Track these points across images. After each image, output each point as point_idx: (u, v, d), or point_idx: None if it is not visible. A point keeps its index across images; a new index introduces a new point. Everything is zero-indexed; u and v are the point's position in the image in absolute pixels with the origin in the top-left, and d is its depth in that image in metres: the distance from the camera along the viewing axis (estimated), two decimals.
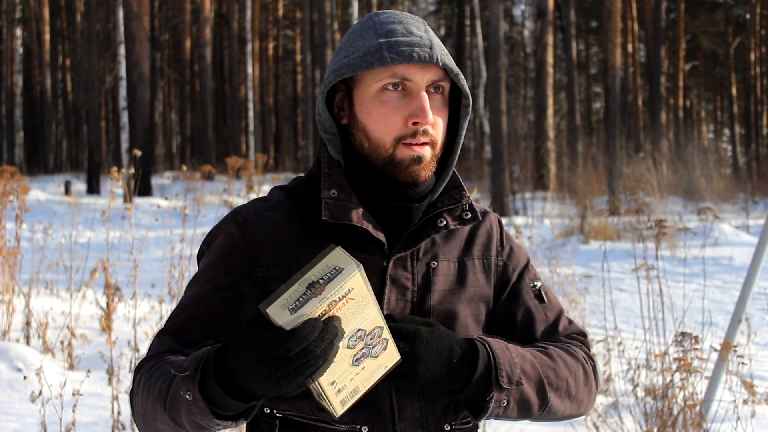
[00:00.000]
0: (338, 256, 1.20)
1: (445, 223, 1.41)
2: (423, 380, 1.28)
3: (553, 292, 1.57)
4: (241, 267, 1.37)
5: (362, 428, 1.34)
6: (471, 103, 1.42)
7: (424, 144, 1.35)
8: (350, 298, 1.18)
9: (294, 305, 1.13)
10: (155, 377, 1.28)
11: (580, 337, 1.53)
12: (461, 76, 1.37)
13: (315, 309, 1.13)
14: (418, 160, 1.35)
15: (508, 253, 1.52)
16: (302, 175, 1.50)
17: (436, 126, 1.36)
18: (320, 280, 1.16)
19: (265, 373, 1.12)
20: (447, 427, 1.41)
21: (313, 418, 1.34)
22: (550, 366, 1.40)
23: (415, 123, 1.33)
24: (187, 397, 1.18)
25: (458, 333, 1.39)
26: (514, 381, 1.33)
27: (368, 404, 1.33)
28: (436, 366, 1.28)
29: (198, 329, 1.34)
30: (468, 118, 1.43)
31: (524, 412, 1.37)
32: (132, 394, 1.35)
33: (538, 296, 1.51)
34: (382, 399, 1.35)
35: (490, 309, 1.48)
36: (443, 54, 1.34)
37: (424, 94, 1.34)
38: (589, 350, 1.52)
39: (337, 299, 1.16)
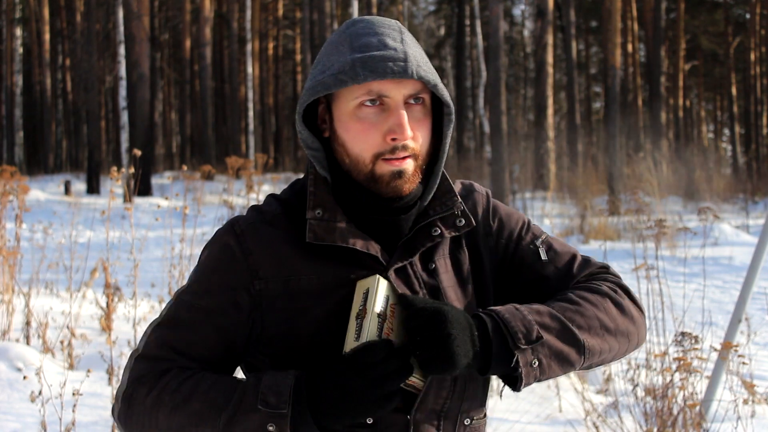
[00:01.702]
0: (364, 282, 1.31)
1: (439, 232, 1.39)
2: (460, 361, 1.23)
3: (561, 240, 1.52)
4: (240, 280, 1.35)
5: (367, 420, 1.31)
6: (453, 110, 1.39)
7: (405, 158, 1.33)
8: (394, 305, 1.29)
9: (356, 336, 1.25)
10: (191, 396, 1.27)
11: (601, 271, 1.48)
12: (440, 86, 1.34)
13: (369, 329, 1.24)
14: (399, 174, 1.33)
15: (498, 228, 1.48)
16: (298, 179, 1.48)
17: (416, 138, 1.34)
18: (360, 307, 1.27)
19: (375, 393, 1.21)
20: (467, 422, 1.39)
21: None
22: (572, 309, 1.35)
23: (393, 139, 1.31)
24: (270, 429, 1.22)
25: None
26: (533, 338, 1.28)
27: None
28: (465, 344, 1.24)
29: (200, 345, 1.34)
30: (451, 126, 1.40)
31: (564, 364, 1.32)
32: (131, 400, 1.31)
33: (545, 252, 1.47)
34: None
35: (473, 301, 1.45)
36: (419, 65, 1.31)
37: (402, 111, 1.31)
38: (617, 277, 1.47)
39: (381, 310, 1.26)
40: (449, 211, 1.41)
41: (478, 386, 1.40)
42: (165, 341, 1.35)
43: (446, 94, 1.37)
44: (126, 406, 1.32)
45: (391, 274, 1.35)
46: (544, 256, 1.46)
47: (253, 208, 1.43)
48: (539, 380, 1.31)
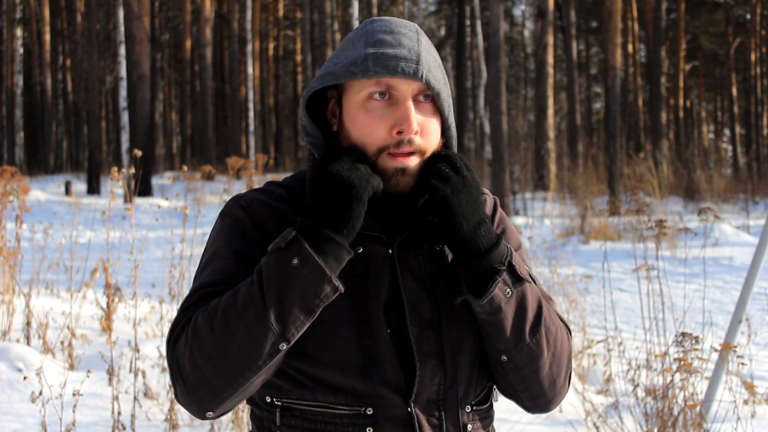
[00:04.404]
0: None
1: None
2: (460, 226, 1.31)
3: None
4: (255, 248, 1.36)
5: (366, 410, 1.32)
6: (450, 126, 1.41)
7: (409, 154, 1.34)
8: None
9: None
10: (237, 290, 1.27)
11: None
12: (443, 95, 1.36)
13: None
14: (403, 171, 1.34)
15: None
16: (299, 172, 1.50)
17: (424, 134, 1.35)
18: None
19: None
20: (468, 409, 1.39)
21: (314, 404, 1.33)
22: (551, 315, 1.43)
23: (399, 132, 1.33)
24: (294, 262, 1.23)
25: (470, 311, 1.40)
26: (519, 273, 1.35)
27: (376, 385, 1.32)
28: (471, 212, 1.32)
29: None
30: (453, 141, 1.43)
31: (519, 319, 1.35)
32: (181, 349, 1.28)
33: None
34: (394, 377, 1.33)
35: None
36: (429, 69, 1.33)
37: (410, 104, 1.33)
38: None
39: None
40: None
41: (472, 371, 1.40)
42: (205, 296, 1.35)
43: (446, 107, 1.38)
44: (179, 341, 1.30)
45: (395, 251, 1.37)
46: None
47: (255, 189, 1.46)
48: (491, 307, 1.32)
